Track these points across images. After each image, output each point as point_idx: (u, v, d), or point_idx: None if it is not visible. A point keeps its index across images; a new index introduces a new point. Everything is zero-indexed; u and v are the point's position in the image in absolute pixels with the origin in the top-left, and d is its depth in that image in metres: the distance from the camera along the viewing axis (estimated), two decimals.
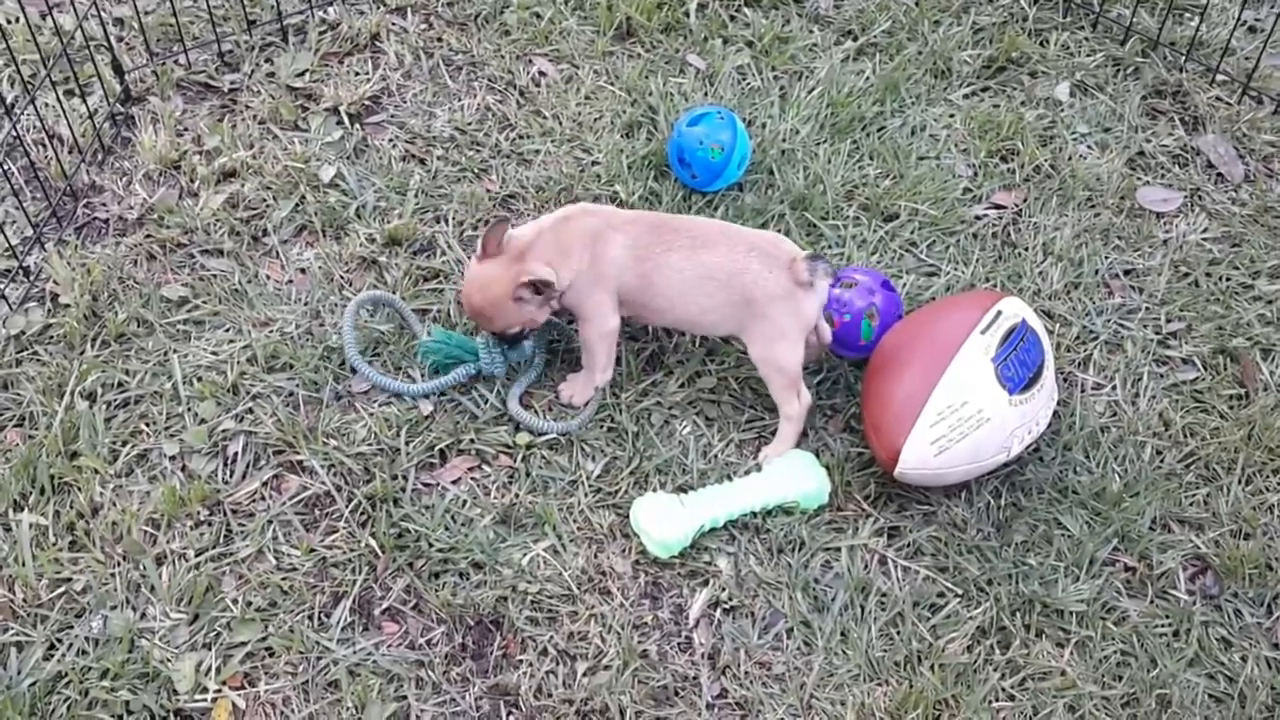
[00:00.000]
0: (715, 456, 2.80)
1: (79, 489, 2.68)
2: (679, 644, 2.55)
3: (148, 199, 3.17)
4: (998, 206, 3.26)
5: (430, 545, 2.63)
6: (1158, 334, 3.04)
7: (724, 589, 2.61)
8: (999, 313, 2.72)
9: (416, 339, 2.93)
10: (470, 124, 3.37)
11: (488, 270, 2.75)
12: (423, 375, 2.89)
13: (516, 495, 2.72)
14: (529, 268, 2.70)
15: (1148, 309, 3.08)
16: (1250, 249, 3.18)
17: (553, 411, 2.85)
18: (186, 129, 3.32)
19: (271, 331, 2.94)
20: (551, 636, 2.53)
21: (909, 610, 2.59)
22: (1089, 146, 3.39)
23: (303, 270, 3.07)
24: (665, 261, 2.74)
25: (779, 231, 3.14)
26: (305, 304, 2.99)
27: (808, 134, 3.34)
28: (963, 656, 2.53)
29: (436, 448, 2.78)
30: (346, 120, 3.35)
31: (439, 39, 3.56)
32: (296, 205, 3.18)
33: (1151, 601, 2.64)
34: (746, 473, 2.77)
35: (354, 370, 2.89)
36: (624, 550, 2.66)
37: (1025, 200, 3.26)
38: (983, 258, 3.15)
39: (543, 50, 3.55)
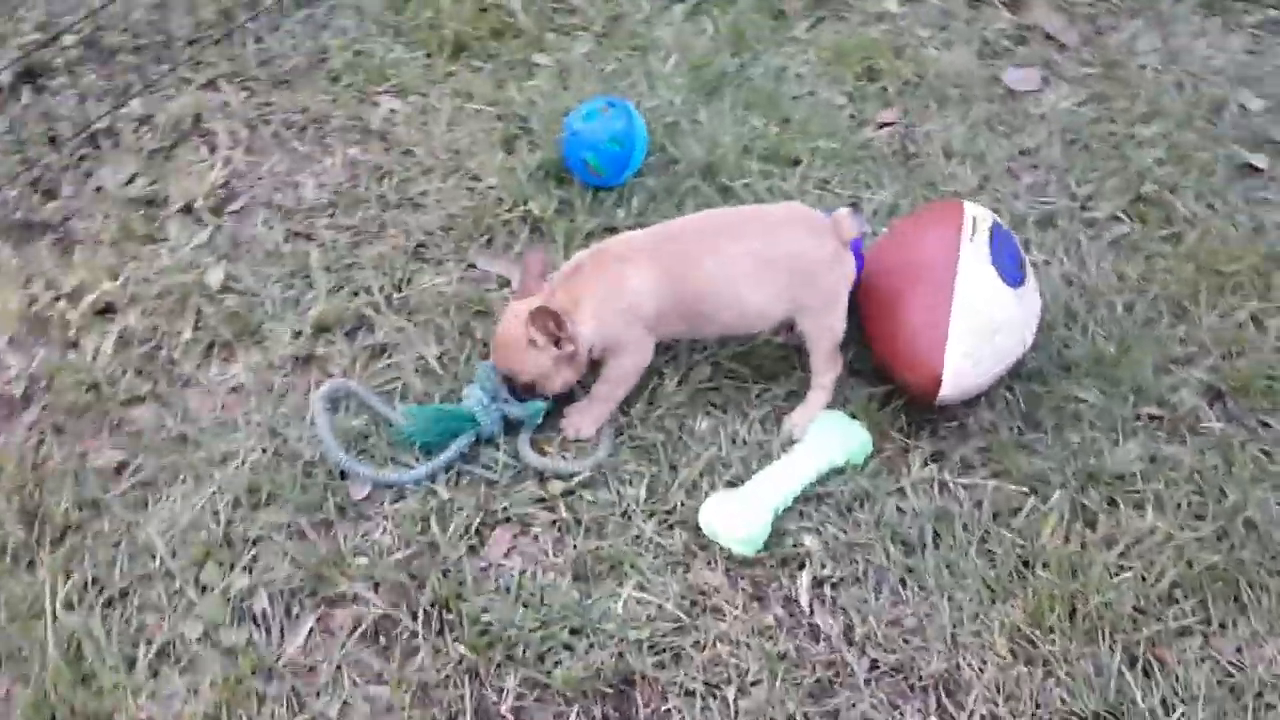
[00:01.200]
0: (745, 441, 2.71)
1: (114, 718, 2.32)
2: (808, 634, 2.47)
3: (26, 368, 2.77)
4: (886, 124, 3.30)
5: (520, 629, 2.43)
6: (1074, 200, 3.16)
7: (822, 565, 2.54)
8: (974, 218, 2.75)
9: (393, 425, 2.70)
10: (343, 183, 3.11)
11: (513, 307, 2.58)
12: (416, 458, 2.67)
13: (575, 546, 2.55)
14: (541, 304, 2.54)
15: (1057, 181, 3.21)
16: (1116, 102, 3.36)
17: (570, 450, 2.69)
18: (31, 277, 2.92)
19: (237, 466, 2.63)
20: (688, 674, 2.40)
21: (992, 524, 2.61)
22: (936, 47, 3.48)
23: (235, 390, 2.77)
24: (707, 268, 2.59)
25: (697, 205, 3.07)
26: (257, 424, 2.70)
27: (683, 102, 3.27)
28: (1065, 547, 2.57)
29: (472, 527, 2.57)
30: (206, 216, 3.03)
31: (267, 103, 3.27)
32: (196, 323, 2.85)
33: (1190, 441, 2.76)
34: (785, 448, 2.71)
35: (345, 475, 2.63)
36: (709, 563, 2.54)
37: (907, 112, 3.32)
38: (893, 175, 3.18)
39: (381, 87, 3.32)
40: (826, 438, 2.69)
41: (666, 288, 2.62)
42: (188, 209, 3.03)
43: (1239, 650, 2.45)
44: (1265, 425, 2.78)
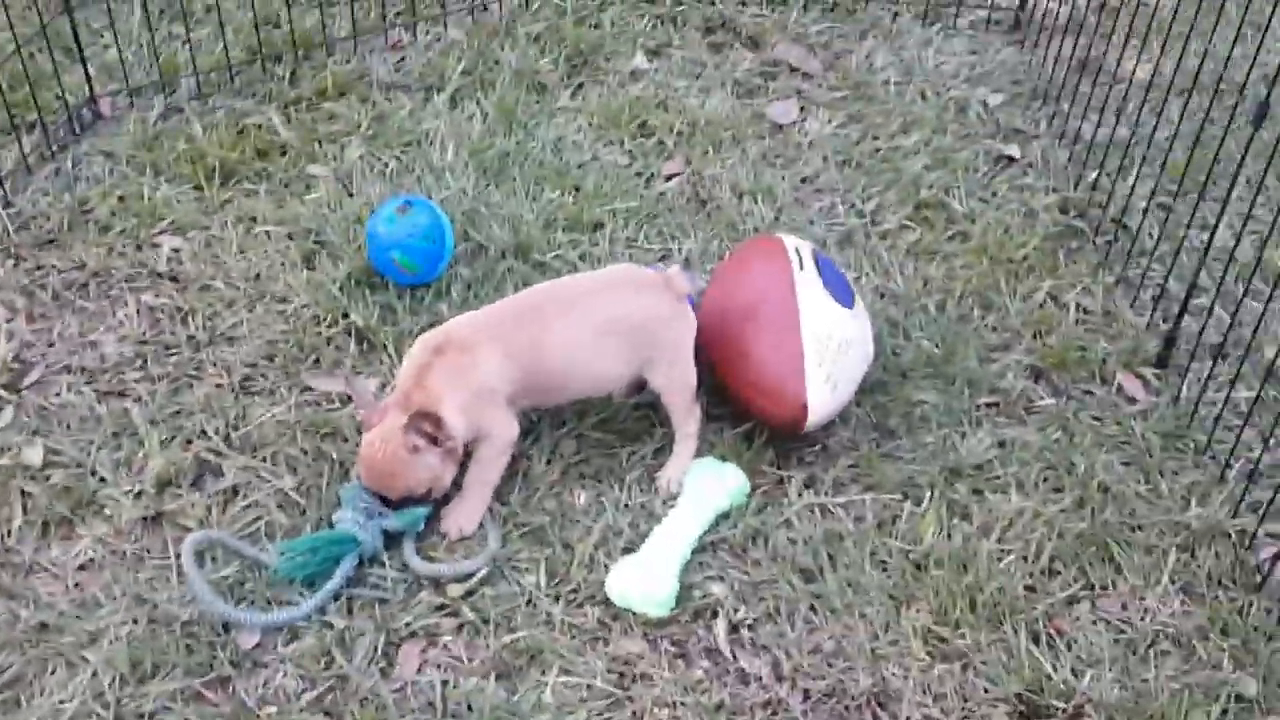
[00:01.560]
0: (627, 506, 2.71)
1: None
2: (737, 679, 2.48)
3: None
4: (673, 175, 3.38)
5: None
6: (864, 217, 3.32)
7: (734, 609, 2.56)
8: (797, 249, 2.85)
9: (267, 567, 2.57)
10: (145, 332, 2.94)
11: (375, 434, 2.51)
12: (301, 593, 2.54)
13: (489, 645, 2.48)
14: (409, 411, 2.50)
15: (842, 202, 3.36)
16: (872, 119, 3.55)
17: (458, 549, 2.62)
18: None
19: (111, 642, 2.45)
20: None
21: (877, 535, 2.69)
22: (695, 95, 3.60)
23: (85, 566, 2.57)
24: (549, 341, 2.60)
25: (516, 284, 3.06)
26: (120, 595, 2.51)
27: (474, 188, 3.26)
28: (948, 543, 2.67)
29: (378, 650, 2.47)
30: (3, 394, 2.81)
31: (38, 267, 3.07)
32: (25, 506, 2.64)
33: (1029, 420, 2.92)
34: (668, 504, 2.71)
35: (229, 626, 2.48)
36: (626, 631, 2.52)
37: (689, 160, 3.41)
38: (692, 224, 3.26)
39: (157, 228, 3.16)
40: (706, 486, 2.72)
41: (514, 366, 2.62)
42: None
43: (1124, 607, 2.61)
44: (1088, 394, 2.98)
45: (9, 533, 2.60)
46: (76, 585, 2.53)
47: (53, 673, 2.41)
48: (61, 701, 2.36)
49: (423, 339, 2.65)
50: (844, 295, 2.81)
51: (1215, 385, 2.93)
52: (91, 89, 3.40)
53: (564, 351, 2.64)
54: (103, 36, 3.64)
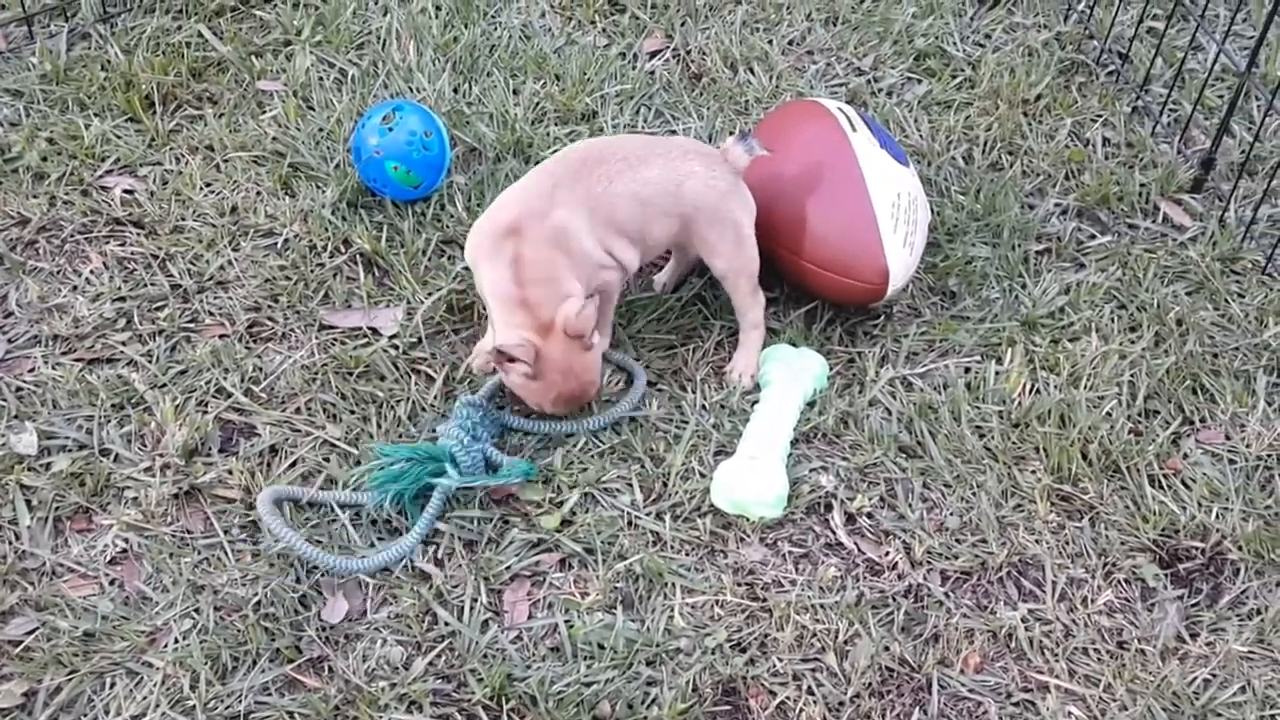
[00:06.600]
0: (706, 406, 2.47)
1: None
2: (870, 570, 2.29)
3: None
4: (655, 53, 3.12)
5: (594, 683, 2.10)
6: (863, 75, 3.12)
7: (848, 499, 2.37)
8: (839, 109, 2.64)
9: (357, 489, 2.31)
10: (121, 289, 2.56)
11: (547, 358, 2.31)
12: (380, 537, 2.25)
13: (599, 576, 2.23)
14: (566, 323, 2.29)
15: (838, 62, 3.15)
16: None
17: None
18: None
19: (177, 641, 2.11)
20: (781, 658, 2.16)
21: (969, 400, 2.51)
22: None
23: (117, 561, 2.21)
24: (618, 193, 2.38)
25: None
26: (172, 586, 2.17)
27: (450, 88, 2.94)
28: (1042, 398, 2.53)
29: (479, 599, 2.20)
30: None
31: None
32: (28, 499, 2.25)
33: (1087, 263, 2.80)
34: (747, 398, 2.50)
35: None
36: (742, 539, 2.29)
37: (669, 35, 3.14)
38: (694, 101, 3.01)
39: (100, 170, 2.75)
40: (788, 374, 2.52)
41: (597, 220, 2.39)
42: None
43: (1227, 437, 2.54)
44: (1135, 227, 2.88)
45: (16, 536, 2.24)
46: (114, 583, 2.19)
47: (112, 686, 2.08)
48: (134, 717, 2.04)
49: (485, 230, 2.37)
50: (899, 154, 2.61)
51: (1251, 203, 2.87)
52: None
53: (631, 206, 2.41)
54: None
